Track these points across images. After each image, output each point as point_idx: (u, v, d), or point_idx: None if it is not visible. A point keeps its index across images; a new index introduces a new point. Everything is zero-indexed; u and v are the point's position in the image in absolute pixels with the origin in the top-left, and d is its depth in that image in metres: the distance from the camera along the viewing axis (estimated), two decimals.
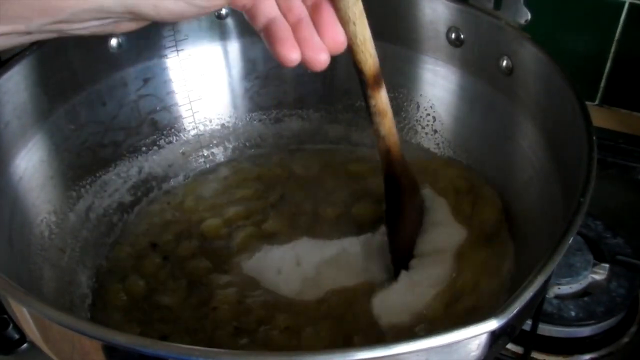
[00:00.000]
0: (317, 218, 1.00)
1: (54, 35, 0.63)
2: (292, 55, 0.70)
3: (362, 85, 0.81)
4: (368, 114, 0.83)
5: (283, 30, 0.70)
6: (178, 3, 0.63)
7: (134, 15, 0.60)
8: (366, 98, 0.82)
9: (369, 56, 0.78)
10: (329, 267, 0.93)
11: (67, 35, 0.65)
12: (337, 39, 0.73)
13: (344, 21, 0.73)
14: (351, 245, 0.95)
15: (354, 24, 0.74)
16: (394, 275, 0.90)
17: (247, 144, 1.08)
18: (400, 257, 0.91)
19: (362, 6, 0.74)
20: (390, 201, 0.91)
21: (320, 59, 0.71)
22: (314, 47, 0.71)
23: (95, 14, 0.62)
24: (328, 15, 0.72)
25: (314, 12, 0.71)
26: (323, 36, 0.72)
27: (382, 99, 0.81)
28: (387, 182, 0.89)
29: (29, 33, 0.63)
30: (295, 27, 0.71)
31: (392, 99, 1.01)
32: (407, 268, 0.90)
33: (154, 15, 0.60)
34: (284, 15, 0.70)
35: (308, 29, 0.71)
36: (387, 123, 0.84)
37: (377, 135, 0.85)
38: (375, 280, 0.91)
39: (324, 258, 0.94)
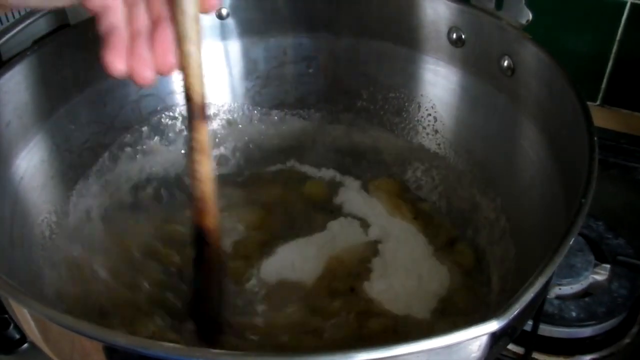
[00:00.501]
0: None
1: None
2: (117, 64, 0.70)
3: (188, 115, 0.76)
4: (188, 149, 0.77)
5: (118, 39, 0.70)
6: None
7: None
8: (189, 130, 0.76)
9: (200, 83, 0.73)
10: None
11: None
12: (168, 59, 0.71)
13: (183, 40, 0.71)
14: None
15: (193, 43, 0.71)
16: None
17: (249, 144, 1.08)
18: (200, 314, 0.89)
19: (201, 29, 0.72)
20: (197, 254, 0.84)
21: (145, 75, 0.70)
22: (142, 61, 0.70)
23: None
24: (165, 34, 0.70)
25: (153, 28, 0.70)
26: (155, 54, 0.71)
27: (205, 134, 0.75)
28: (196, 233, 0.81)
29: None
30: (132, 39, 0.71)
31: (393, 99, 1.01)
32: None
33: None
34: (127, 24, 0.71)
35: (142, 43, 0.71)
36: (206, 164, 0.77)
37: (193, 177, 0.78)
38: None
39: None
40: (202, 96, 0.73)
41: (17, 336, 0.89)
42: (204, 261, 0.82)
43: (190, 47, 0.70)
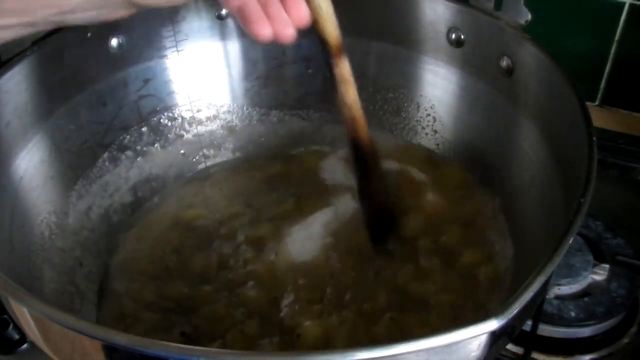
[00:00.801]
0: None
1: (56, 25, 0.69)
2: (265, 32, 0.78)
3: (325, 55, 0.86)
4: (333, 83, 0.88)
5: (255, 10, 0.78)
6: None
7: (130, 3, 0.66)
8: (331, 67, 0.87)
9: (332, 27, 0.84)
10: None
11: (68, 25, 0.70)
12: (302, 14, 0.79)
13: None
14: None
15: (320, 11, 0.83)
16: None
17: (248, 144, 1.08)
18: (376, 227, 0.97)
19: None
20: (359, 170, 0.96)
21: (288, 33, 0.79)
22: (281, 23, 0.78)
23: (95, 4, 0.67)
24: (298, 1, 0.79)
25: None
26: (289, 13, 0.79)
27: (345, 67, 0.86)
28: (355, 151, 0.93)
29: (33, 25, 0.65)
30: (264, 5, 0.78)
31: (393, 99, 1.01)
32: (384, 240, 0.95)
33: (151, 1, 0.66)
34: None
35: (276, 6, 0.78)
36: (351, 91, 0.88)
37: (343, 104, 0.89)
38: None
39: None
40: (337, 37, 0.85)
41: (17, 336, 0.89)
42: (365, 166, 0.95)
43: (319, 1, 0.83)
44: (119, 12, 0.70)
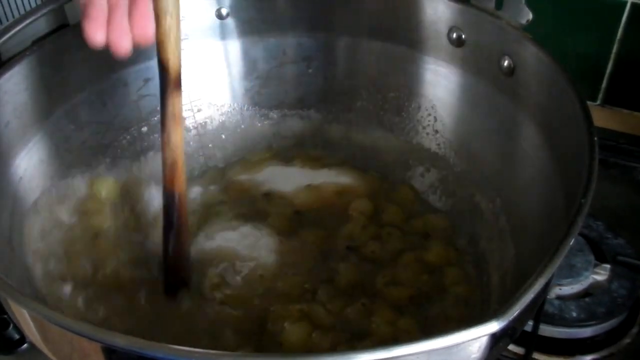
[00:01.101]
0: None
1: None
2: (96, 35, 0.73)
3: (162, 85, 0.80)
4: (162, 117, 0.82)
5: (98, 10, 0.73)
6: None
7: None
8: (164, 100, 0.80)
9: (176, 55, 0.78)
10: None
11: None
12: (146, 31, 0.74)
13: (161, 12, 0.74)
14: None
15: (171, 16, 0.75)
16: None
17: (248, 144, 1.08)
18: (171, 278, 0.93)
19: (179, 3, 0.75)
20: (167, 221, 0.89)
21: (122, 44, 0.74)
22: (119, 31, 0.73)
23: None
24: (144, 5, 0.73)
25: (132, 0, 0.74)
26: (133, 25, 0.74)
27: (179, 103, 0.80)
28: (167, 199, 0.87)
29: None
30: (111, 10, 0.73)
31: (393, 99, 1.01)
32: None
33: None
34: None
35: (120, 13, 0.74)
36: (179, 131, 0.82)
37: (166, 144, 0.83)
38: None
39: None
40: (178, 67, 0.77)
41: (17, 336, 0.89)
42: (173, 224, 0.87)
43: (169, 20, 0.74)
44: None
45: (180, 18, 0.76)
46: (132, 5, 0.74)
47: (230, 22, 1.02)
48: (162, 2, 0.73)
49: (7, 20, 0.95)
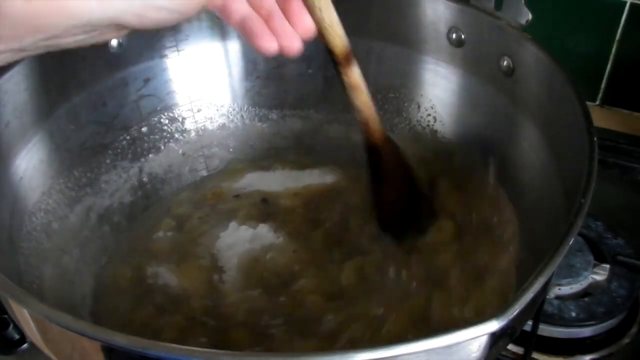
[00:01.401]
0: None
1: (47, 50, 0.67)
2: (270, 46, 0.77)
3: (334, 64, 0.87)
4: (343, 90, 0.88)
5: (258, 25, 0.77)
6: (160, 12, 0.67)
7: (119, 26, 0.65)
8: (340, 75, 0.87)
9: (337, 37, 0.84)
10: None
11: (58, 49, 0.68)
12: (307, 26, 0.79)
13: (310, 8, 0.79)
14: None
15: (320, 10, 0.81)
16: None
17: (248, 144, 1.08)
18: (386, 222, 0.99)
19: None
20: (373, 170, 0.96)
21: (294, 46, 0.78)
22: (287, 36, 0.78)
23: (83, 28, 0.65)
24: (296, 5, 0.78)
25: (282, 3, 0.78)
26: (294, 25, 0.78)
27: (354, 74, 0.87)
28: (369, 152, 0.94)
29: (22, 50, 0.66)
30: (267, 20, 0.77)
31: (393, 99, 1.02)
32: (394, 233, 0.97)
33: (138, 24, 0.64)
34: (256, 10, 0.77)
35: (280, 20, 0.78)
36: (362, 96, 0.89)
37: (355, 109, 0.90)
38: None
39: None
40: (344, 46, 0.85)
41: (17, 336, 0.89)
42: (379, 166, 0.96)
43: (322, 13, 0.82)
44: (109, 35, 0.70)
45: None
46: (285, 7, 0.79)
47: None
48: (309, 1, 0.80)
49: None
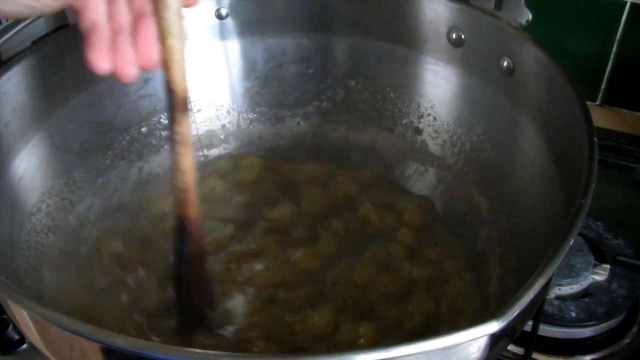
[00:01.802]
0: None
1: None
2: (101, 62, 0.71)
3: (169, 108, 0.77)
4: (171, 142, 0.78)
5: (101, 37, 0.71)
6: (12, 6, 0.69)
7: None
8: (172, 123, 0.77)
9: (182, 78, 0.74)
10: None
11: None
12: (151, 55, 0.72)
13: (166, 34, 0.72)
14: None
15: (176, 37, 0.72)
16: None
17: (248, 144, 1.08)
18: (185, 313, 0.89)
19: (183, 23, 0.73)
20: (179, 247, 0.85)
21: (129, 72, 0.71)
22: (125, 58, 0.71)
23: None
24: (147, 29, 0.71)
25: (135, 24, 0.71)
26: (138, 50, 0.71)
27: (188, 126, 0.77)
28: (179, 227, 0.83)
29: None
30: (114, 35, 0.71)
31: (393, 99, 1.01)
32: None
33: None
34: (109, 20, 0.71)
35: (125, 39, 0.71)
36: (188, 156, 0.79)
37: (176, 169, 0.80)
38: None
39: None
40: (185, 89, 0.74)
41: (17, 337, 0.89)
42: (186, 251, 0.83)
43: (174, 42, 0.72)
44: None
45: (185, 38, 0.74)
46: (135, 28, 0.72)
47: (229, 22, 1.03)
48: (166, 24, 0.71)
49: (7, 20, 0.95)
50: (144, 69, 0.72)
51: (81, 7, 0.71)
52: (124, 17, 0.71)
